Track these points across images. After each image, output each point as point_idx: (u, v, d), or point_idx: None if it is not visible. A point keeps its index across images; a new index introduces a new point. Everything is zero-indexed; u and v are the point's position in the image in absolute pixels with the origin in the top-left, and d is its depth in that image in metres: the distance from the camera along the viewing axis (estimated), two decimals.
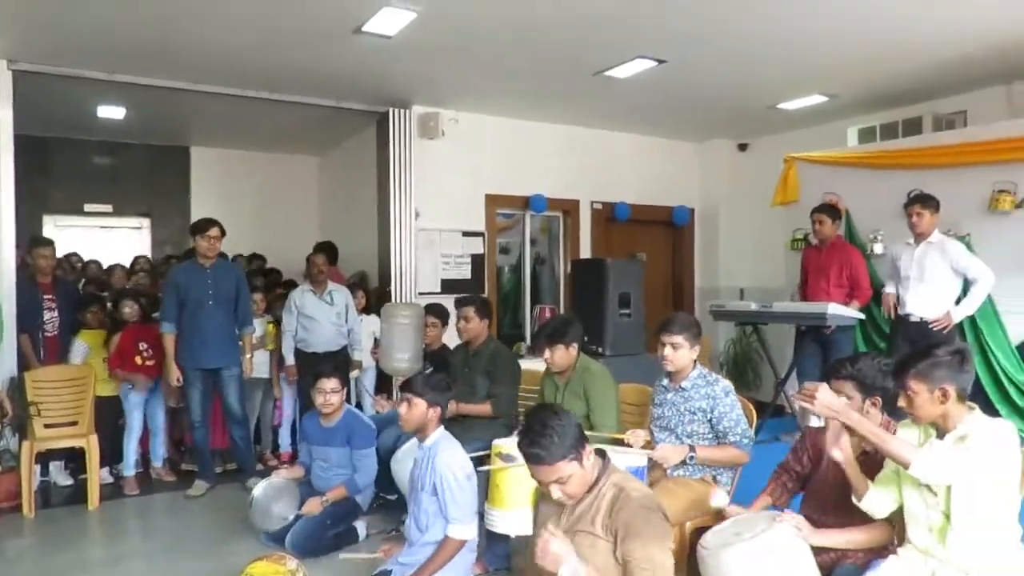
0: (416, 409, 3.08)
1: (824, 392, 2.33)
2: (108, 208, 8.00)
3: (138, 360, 5.02)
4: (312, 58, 5.12)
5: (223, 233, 4.87)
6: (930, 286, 4.78)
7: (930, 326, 4.74)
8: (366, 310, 5.97)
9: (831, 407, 2.32)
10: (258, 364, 5.40)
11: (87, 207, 7.89)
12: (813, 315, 5.07)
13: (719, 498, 2.66)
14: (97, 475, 4.69)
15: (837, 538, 2.52)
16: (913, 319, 4.85)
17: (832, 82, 5.81)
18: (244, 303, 4.97)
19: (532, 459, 2.17)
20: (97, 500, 4.64)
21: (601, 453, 2.32)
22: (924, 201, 4.80)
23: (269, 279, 6.58)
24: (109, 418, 5.05)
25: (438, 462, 3.03)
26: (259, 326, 5.40)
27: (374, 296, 6.44)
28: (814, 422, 2.45)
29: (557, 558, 2.08)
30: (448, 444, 3.13)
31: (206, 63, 5.23)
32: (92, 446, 4.66)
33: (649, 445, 3.19)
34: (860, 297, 5.24)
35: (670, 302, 8.11)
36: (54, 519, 4.46)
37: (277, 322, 5.58)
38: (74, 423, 4.76)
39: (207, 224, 4.81)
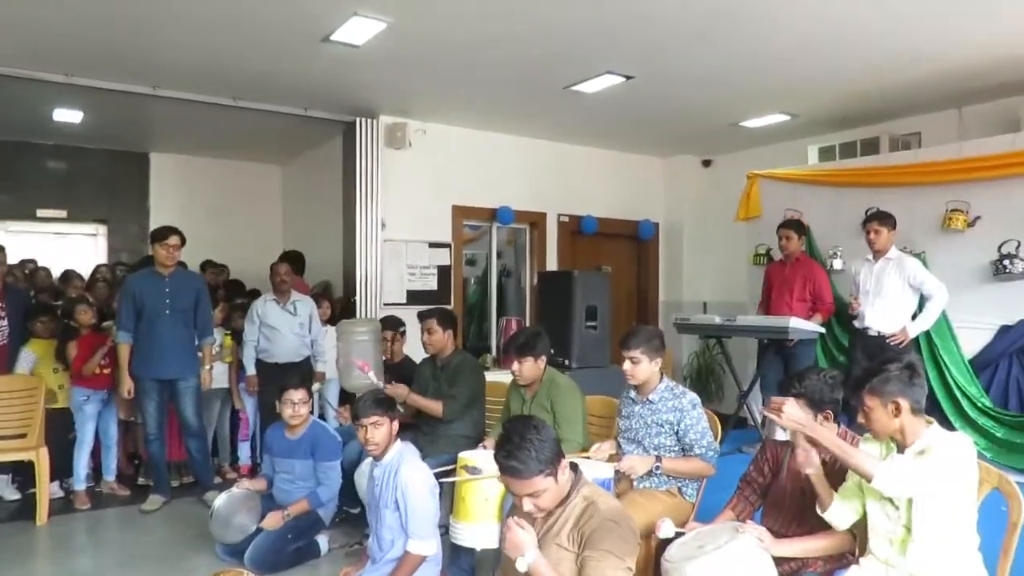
0: (382, 429, 3.03)
1: (791, 406, 2.38)
2: (62, 214, 7.76)
3: (95, 369, 4.89)
4: (278, 66, 5.06)
5: (183, 242, 4.75)
6: (887, 301, 4.91)
7: (888, 341, 4.86)
8: (331, 321, 5.89)
9: (798, 420, 2.37)
10: (217, 375, 5.29)
11: (40, 212, 7.64)
12: (776, 329, 5.16)
13: (666, 529, 2.69)
14: (46, 489, 4.52)
15: (798, 547, 2.55)
16: (871, 333, 4.97)
17: (794, 102, 5.95)
18: (204, 313, 4.86)
19: (508, 471, 2.15)
20: (46, 515, 4.47)
21: (574, 466, 2.32)
22: (881, 219, 4.94)
23: (229, 290, 6.45)
24: (59, 431, 4.88)
25: (400, 476, 2.98)
26: (216, 337, 5.29)
27: (338, 306, 6.36)
28: (779, 435, 2.50)
29: (518, 546, 2.09)
30: (409, 457, 3.09)
31: (168, 67, 5.13)
32: (42, 459, 4.50)
33: (615, 458, 3.20)
34: (823, 311, 5.35)
35: (635, 315, 8.18)
36: (0, 535, 4.27)
37: (234, 334, 5.47)
38: (23, 435, 4.60)
39: (167, 232, 4.68)
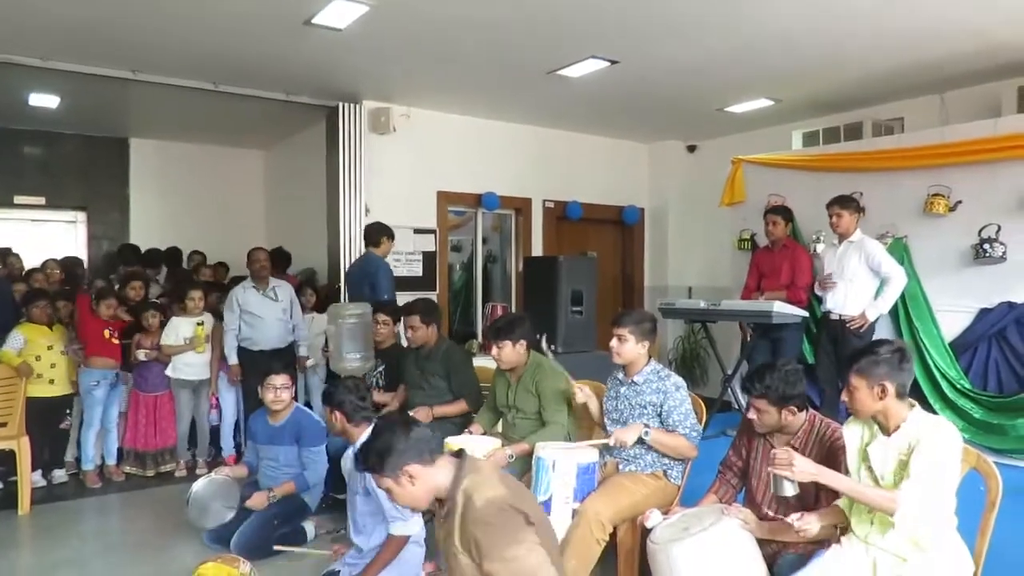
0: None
1: (801, 461, 2.34)
2: (40, 201, 7.65)
3: (106, 333, 4.96)
4: (259, 49, 4.99)
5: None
6: (848, 284, 4.94)
7: (848, 325, 4.91)
8: (316, 308, 5.86)
9: (808, 472, 2.33)
10: (197, 365, 5.24)
11: (17, 199, 7.53)
12: (759, 313, 5.18)
13: (654, 519, 2.71)
14: (28, 478, 4.49)
15: (778, 535, 2.58)
16: (833, 317, 5.02)
17: (778, 87, 5.96)
18: None
19: None
20: (28, 504, 4.44)
21: (459, 453, 2.17)
22: (842, 202, 4.97)
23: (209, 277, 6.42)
24: (47, 420, 4.85)
25: None
26: (188, 327, 5.21)
27: (323, 293, 6.32)
28: (788, 490, 2.41)
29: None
30: None
31: (147, 51, 5.04)
32: (23, 448, 4.46)
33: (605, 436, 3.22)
34: (791, 295, 5.34)
35: (620, 300, 8.21)
36: None
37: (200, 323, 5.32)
38: (3, 424, 4.55)
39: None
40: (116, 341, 5.02)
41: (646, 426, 3.05)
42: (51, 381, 4.87)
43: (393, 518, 2.94)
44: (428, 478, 2.04)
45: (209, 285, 5.97)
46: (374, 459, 2.05)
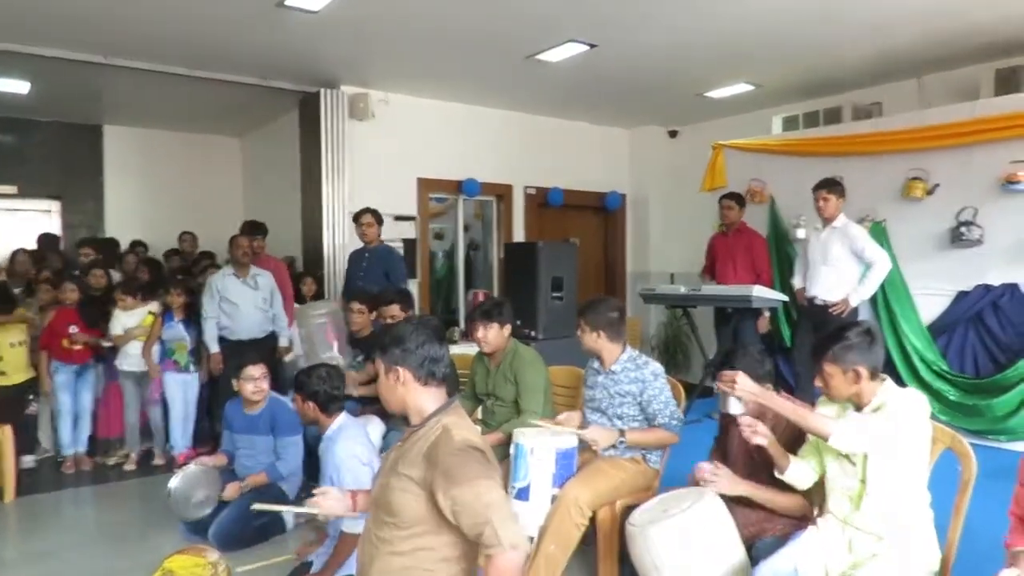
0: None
1: (743, 378, 2.45)
2: (13, 190, 7.49)
3: (65, 343, 4.84)
4: (234, 33, 4.90)
5: (377, 220, 5.51)
6: (832, 269, 4.96)
7: (830, 310, 4.93)
8: (316, 297, 5.82)
9: (750, 391, 2.44)
10: (138, 356, 5.04)
11: None
12: (739, 298, 5.20)
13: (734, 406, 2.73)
14: (12, 466, 4.47)
15: (755, 492, 2.60)
16: (817, 302, 5.04)
17: (757, 71, 5.95)
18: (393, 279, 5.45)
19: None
20: (13, 493, 4.43)
21: (451, 392, 2.11)
22: (830, 186, 4.97)
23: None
24: (9, 409, 4.76)
25: (335, 451, 2.96)
26: (131, 318, 5.07)
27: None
28: (733, 408, 2.53)
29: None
30: (349, 432, 3.06)
31: (119, 35, 4.93)
32: (6, 437, 4.44)
33: (582, 427, 3.20)
34: (763, 281, 5.41)
35: (603, 286, 8.22)
36: None
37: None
38: None
39: (361, 213, 5.50)
40: (77, 347, 4.90)
41: (621, 434, 3.04)
42: (1, 373, 4.77)
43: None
44: (413, 393, 1.99)
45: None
46: (387, 340, 2.02)
